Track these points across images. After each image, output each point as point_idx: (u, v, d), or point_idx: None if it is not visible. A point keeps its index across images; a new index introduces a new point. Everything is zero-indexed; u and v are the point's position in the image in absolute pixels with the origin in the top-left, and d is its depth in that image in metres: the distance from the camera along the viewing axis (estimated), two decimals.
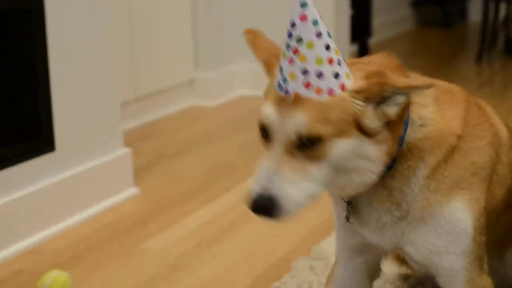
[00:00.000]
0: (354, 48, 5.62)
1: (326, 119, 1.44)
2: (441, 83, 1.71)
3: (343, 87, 1.46)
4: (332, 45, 1.47)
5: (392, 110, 1.49)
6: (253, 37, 1.65)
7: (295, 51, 1.45)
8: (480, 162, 1.67)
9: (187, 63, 4.50)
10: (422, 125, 1.58)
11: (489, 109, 1.81)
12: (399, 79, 1.48)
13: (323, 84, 1.44)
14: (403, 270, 2.21)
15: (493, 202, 1.75)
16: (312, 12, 1.45)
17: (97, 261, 2.55)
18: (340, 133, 1.46)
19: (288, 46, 1.46)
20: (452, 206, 1.61)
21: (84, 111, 2.89)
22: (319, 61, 1.44)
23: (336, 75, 1.45)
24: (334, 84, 1.45)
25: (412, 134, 1.57)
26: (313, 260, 2.40)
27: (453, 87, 1.73)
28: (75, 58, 2.82)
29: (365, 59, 1.65)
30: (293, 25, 1.45)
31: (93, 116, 2.93)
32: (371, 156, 1.50)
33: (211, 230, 2.75)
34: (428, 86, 1.50)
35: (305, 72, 1.44)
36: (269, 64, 1.58)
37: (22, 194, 2.64)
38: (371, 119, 1.48)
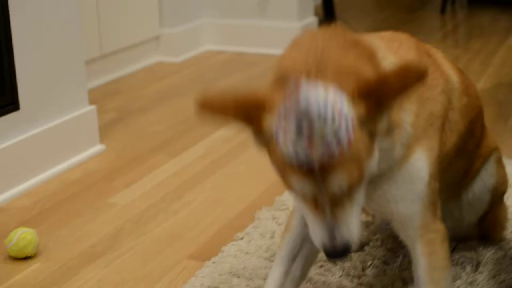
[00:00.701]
0: (318, 1, 5.62)
1: (357, 164, 1.42)
2: (387, 34, 1.74)
3: (353, 125, 1.39)
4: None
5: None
6: (209, 106, 1.49)
7: (310, 128, 1.37)
8: (435, 112, 1.71)
9: (152, 19, 4.48)
10: None
11: (439, 55, 1.84)
12: (393, 89, 1.41)
13: (342, 137, 1.38)
14: (363, 217, 2.26)
15: (446, 148, 1.79)
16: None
17: (64, 217, 2.57)
18: (367, 160, 1.45)
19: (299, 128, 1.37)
20: (413, 157, 1.65)
21: (49, 69, 2.89)
22: (332, 120, 1.37)
23: (346, 119, 1.38)
24: (349, 129, 1.38)
25: None
26: (275, 210, 2.45)
27: (400, 36, 1.75)
28: (38, 14, 2.80)
29: (390, 36, 1.69)
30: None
31: (58, 74, 2.93)
32: (388, 146, 1.54)
33: (176, 184, 2.79)
34: (422, 76, 1.41)
35: (323, 138, 1.37)
36: (253, 120, 1.45)
37: None
38: (380, 126, 1.47)
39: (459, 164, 1.92)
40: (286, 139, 1.38)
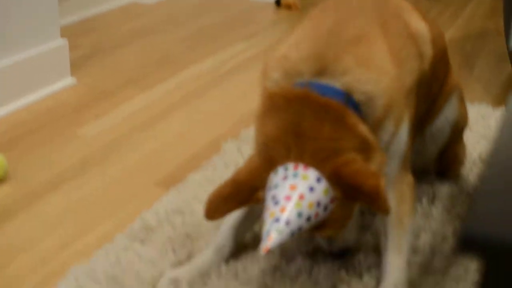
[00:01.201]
0: None
1: (340, 224, 1.64)
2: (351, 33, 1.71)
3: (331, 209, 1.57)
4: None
5: None
6: (215, 210, 1.62)
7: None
8: (410, 81, 1.77)
9: None
10: (371, 99, 1.63)
11: (408, 8, 1.87)
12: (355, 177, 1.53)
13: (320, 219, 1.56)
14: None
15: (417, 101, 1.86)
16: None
17: (33, 145, 2.61)
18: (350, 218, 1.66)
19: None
20: (400, 131, 1.74)
21: (21, 2, 2.89)
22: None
23: (325, 208, 1.54)
24: (327, 213, 1.56)
25: (368, 112, 1.64)
26: (241, 142, 2.50)
27: (361, 30, 1.71)
28: None
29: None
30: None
31: (30, 7, 2.94)
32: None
33: (145, 117, 2.83)
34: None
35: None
36: (252, 198, 1.60)
37: None
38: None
39: (423, 107, 1.97)
40: None
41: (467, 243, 0.71)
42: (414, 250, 1.89)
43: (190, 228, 2.00)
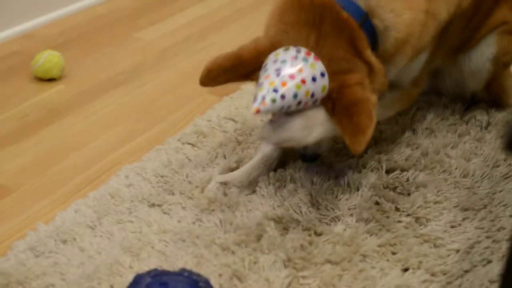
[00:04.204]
0: None
1: None
2: None
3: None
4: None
5: None
6: (212, 78, 1.69)
7: None
8: (445, 15, 1.76)
9: None
10: (387, 28, 1.67)
11: None
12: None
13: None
14: None
15: (448, 34, 1.86)
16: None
17: (89, 47, 2.62)
18: None
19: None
20: (417, 60, 1.79)
21: None
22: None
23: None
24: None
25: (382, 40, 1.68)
26: None
27: None
28: None
29: None
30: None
31: None
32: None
33: (202, 26, 2.82)
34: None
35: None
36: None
37: None
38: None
39: (458, 39, 1.97)
40: None
41: None
42: (463, 172, 1.88)
43: (241, 136, 2.01)
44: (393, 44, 1.68)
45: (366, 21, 1.64)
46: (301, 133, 1.60)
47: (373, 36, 1.66)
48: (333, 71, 1.58)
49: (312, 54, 1.57)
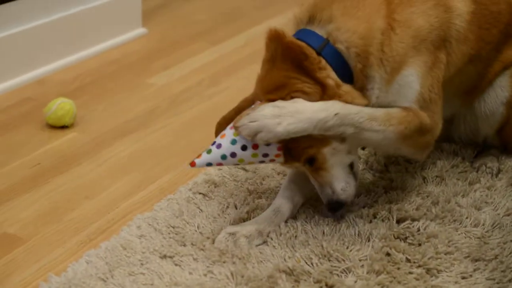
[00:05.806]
0: None
1: None
2: None
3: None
4: None
5: None
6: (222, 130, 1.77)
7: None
8: (425, 26, 1.79)
9: None
10: (348, 48, 1.73)
11: None
12: None
13: None
14: None
15: (451, 58, 1.87)
16: None
17: (102, 93, 2.65)
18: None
19: None
20: (403, 74, 1.78)
21: None
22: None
23: None
24: None
25: (350, 61, 1.74)
26: None
27: None
28: None
29: None
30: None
31: None
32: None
33: (213, 70, 2.84)
34: None
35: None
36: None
37: (32, 26, 2.72)
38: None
39: (473, 71, 1.98)
40: None
41: None
42: (474, 222, 1.87)
43: (252, 185, 2.02)
44: (357, 60, 1.73)
45: (326, 46, 1.72)
46: (272, 121, 1.65)
47: (341, 60, 1.73)
48: (268, 91, 1.72)
49: (257, 103, 1.74)
